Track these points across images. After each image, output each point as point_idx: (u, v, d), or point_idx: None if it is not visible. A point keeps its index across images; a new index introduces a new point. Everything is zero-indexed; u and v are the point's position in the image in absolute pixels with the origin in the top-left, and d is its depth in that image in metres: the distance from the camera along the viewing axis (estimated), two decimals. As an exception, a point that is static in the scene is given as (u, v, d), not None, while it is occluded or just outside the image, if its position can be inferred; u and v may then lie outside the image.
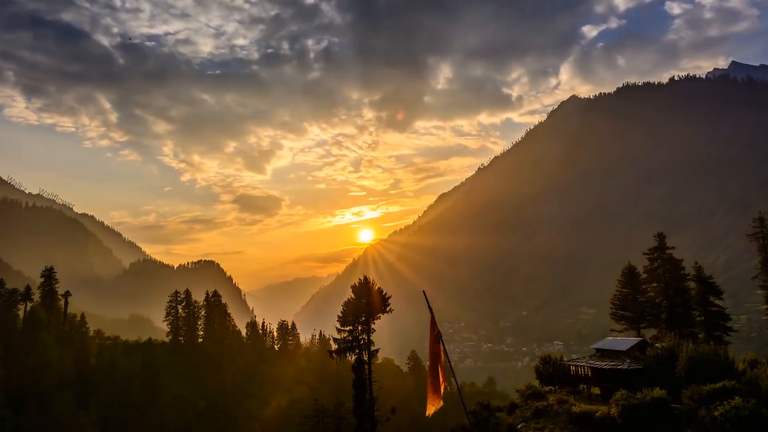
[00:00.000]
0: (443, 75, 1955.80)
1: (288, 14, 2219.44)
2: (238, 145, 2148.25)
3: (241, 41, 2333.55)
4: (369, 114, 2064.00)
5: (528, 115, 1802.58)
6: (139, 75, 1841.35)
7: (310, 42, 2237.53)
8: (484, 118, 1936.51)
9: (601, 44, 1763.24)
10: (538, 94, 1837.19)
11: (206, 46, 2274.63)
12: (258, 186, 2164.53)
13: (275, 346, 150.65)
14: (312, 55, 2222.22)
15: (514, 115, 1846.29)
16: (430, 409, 16.58)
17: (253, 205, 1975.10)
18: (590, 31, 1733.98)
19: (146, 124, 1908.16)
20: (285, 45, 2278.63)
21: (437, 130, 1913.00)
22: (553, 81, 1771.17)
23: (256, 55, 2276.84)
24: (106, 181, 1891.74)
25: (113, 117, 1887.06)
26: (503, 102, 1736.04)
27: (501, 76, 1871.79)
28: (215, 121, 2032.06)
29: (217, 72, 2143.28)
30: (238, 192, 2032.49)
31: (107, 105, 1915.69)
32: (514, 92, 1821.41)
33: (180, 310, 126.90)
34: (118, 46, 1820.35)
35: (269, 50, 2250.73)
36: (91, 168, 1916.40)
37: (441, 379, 16.38)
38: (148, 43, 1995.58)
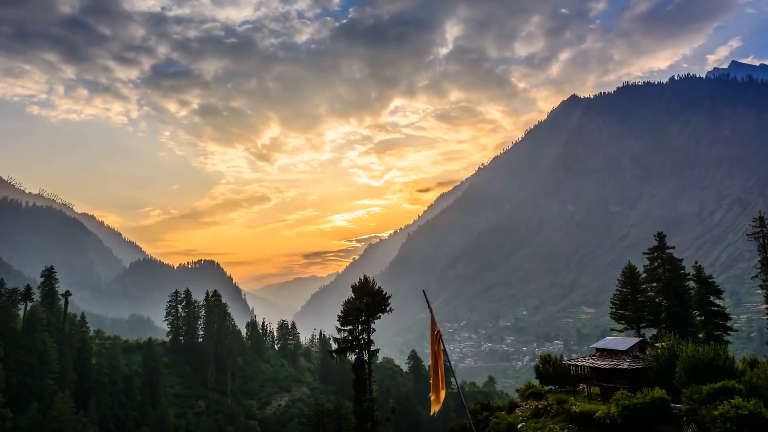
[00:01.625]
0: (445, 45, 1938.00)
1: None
2: (241, 132, 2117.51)
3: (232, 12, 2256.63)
4: (372, 93, 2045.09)
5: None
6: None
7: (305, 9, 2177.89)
8: (484, 104, 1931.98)
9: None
10: (539, 87, 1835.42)
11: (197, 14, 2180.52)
12: (258, 184, 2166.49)
13: (275, 346, 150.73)
14: (310, 24, 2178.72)
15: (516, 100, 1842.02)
16: (435, 408, 16.63)
17: (254, 203, 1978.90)
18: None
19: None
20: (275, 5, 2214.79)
21: (438, 120, 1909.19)
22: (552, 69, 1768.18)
23: (244, 24, 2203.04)
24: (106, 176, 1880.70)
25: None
26: (504, 86, 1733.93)
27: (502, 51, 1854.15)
28: (215, 102, 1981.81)
29: (207, 41, 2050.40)
30: (239, 189, 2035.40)
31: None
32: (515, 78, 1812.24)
33: (180, 310, 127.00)
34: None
35: (259, 14, 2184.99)
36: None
37: (441, 379, 16.40)
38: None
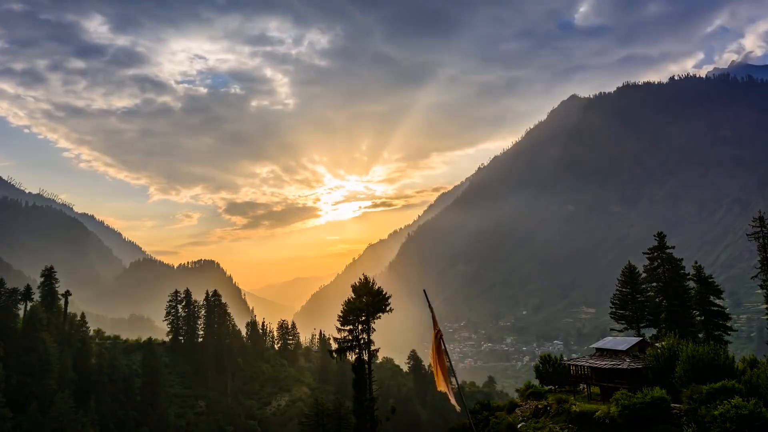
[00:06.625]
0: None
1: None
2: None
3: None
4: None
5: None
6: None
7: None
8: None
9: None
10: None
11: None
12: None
13: (275, 346, 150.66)
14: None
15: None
16: (440, 388, 16.62)
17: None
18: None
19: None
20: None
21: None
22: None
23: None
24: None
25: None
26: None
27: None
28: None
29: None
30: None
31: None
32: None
33: (180, 310, 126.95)
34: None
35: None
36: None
37: (439, 376, 16.43)
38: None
